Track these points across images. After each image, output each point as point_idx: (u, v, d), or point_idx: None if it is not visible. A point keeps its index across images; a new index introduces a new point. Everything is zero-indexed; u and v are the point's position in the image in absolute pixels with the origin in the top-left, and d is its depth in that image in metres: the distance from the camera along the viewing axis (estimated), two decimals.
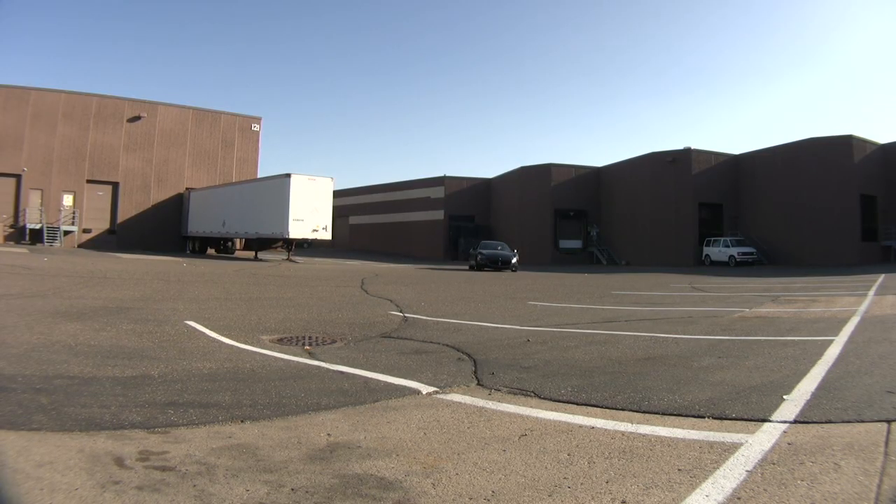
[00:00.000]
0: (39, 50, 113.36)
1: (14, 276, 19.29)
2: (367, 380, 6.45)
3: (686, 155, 50.91)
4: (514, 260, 38.54)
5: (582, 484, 3.58)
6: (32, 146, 48.67)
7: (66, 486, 3.33)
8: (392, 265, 40.33)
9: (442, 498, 3.37)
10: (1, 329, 8.86)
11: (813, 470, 3.75)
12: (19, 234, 47.87)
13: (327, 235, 39.48)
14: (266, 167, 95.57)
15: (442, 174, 67.05)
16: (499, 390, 6.04)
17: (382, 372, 6.82)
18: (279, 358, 7.63)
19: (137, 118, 53.61)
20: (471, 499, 3.37)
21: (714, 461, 3.92)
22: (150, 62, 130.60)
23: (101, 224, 52.01)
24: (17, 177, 48.41)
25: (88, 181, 51.17)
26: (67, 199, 50.17)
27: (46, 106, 49.57)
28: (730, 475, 3.67)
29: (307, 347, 8.47)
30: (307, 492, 3.41)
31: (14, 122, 48.17)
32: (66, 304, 12.15)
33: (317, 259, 43.39)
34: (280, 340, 8.95)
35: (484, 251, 39.44)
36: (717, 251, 46.92)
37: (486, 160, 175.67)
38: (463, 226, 63.59)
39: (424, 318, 12.05)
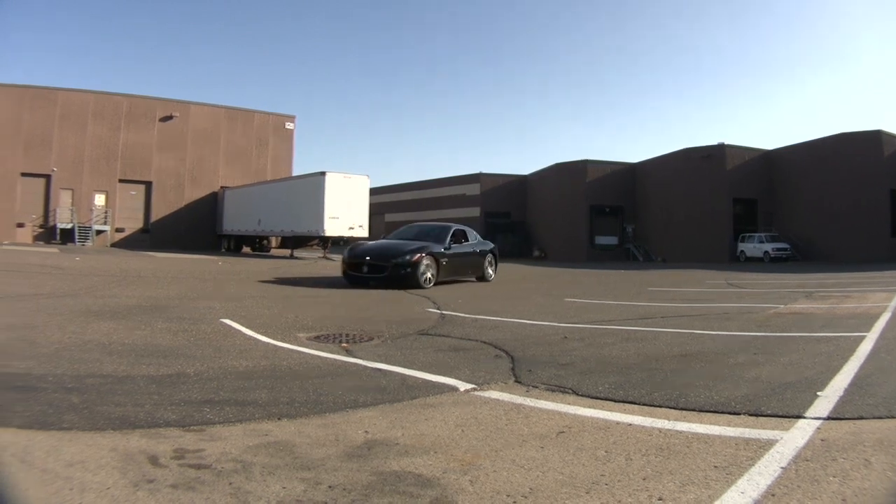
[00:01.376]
0: (66, 49, 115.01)
1: (44, 275, 19.44)
2: (404, 377, 6.48)
3: (720, 151, 51.10)
4: (409, 259, 18.18)
5: (619, 481, 3.57)
6: (62, 146, 49.59)
7: (97, 486, 3.35)
8: None
9: (479, 495, 3.37)
10: (30, 328, 8.90)
11: (844, 466, 3.73)
12: (49, 233, 48.64)
13: (364, 233, 39.58)
14: (301, 165, 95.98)
15: (477, 171, 67.18)
16: (536, 387, 6.02)
17: (420, 369, 6.84)
18: (316, 355, 7.67)
19: (169, 118, 54.26)
20: (508, 496, 3.36)
21: (749, 458, 3.90)
22: (179, 62, 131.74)
23: (134, 223, 52.65)
24: (47, 177, 49.15)
25: (121, 181, 51.92)
26: (99, 199, 50.92)
27: (75, 106, 50.48)
28: (765, 472, 3.64)
29: (344, 345, 8.48)
30: (344, 489, 3.42)
31: (42, 123, 49.20)
32: (99, 304, 12.26)
33: None
34: (317, 338, 8.98)
35: (361, 247, 20.17)
36: (751, 247, 46.99)
37: (521, 158, 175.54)
38: (499, 223, 63.54)
39: (462, 315, 12.08)
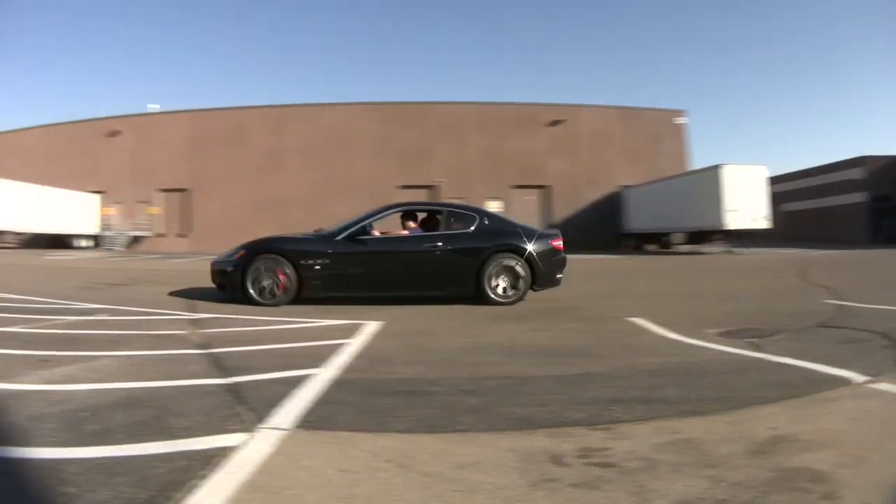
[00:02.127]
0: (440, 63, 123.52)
1: None
2: (806, 371, 6.52)
3: None
4: (229, 260, 13.06)
5: None
6: (444, 158, 54.95)
7: (489, 486, 3.55)
8: (825, 252, 37.73)
9: (862, 489, 3.50)
10: (421, 335, 9.43)
11: None
12: None
13: (765, 224, 38.91)
14: (703, 159, 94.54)
15: (861, 154, 62.59)
16: None
17: (820, 362, 6.79)
18: (724, 351, 7.72)
19: (558, 122, 56.30)
20: (888, 488, 3.50)
21: None
22: (565, 69, 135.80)
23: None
24: (429, 188, 53.96)
25: (514, 186, 54.71)
26: (493, 205, 54.03)
27: (453, 118, 56.00)
28: None
29: (751, 340, 8.42)
30: (744, 486, 3.53)
31: (419, 137, 55.11)
32: (501, 307, 12.61)
33: (755, 249, 42.21)
34: (723, 334, 8.96)
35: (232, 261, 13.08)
36: None
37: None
38: (884, 206, 58.71)
39: (858, 305, 11.90)
